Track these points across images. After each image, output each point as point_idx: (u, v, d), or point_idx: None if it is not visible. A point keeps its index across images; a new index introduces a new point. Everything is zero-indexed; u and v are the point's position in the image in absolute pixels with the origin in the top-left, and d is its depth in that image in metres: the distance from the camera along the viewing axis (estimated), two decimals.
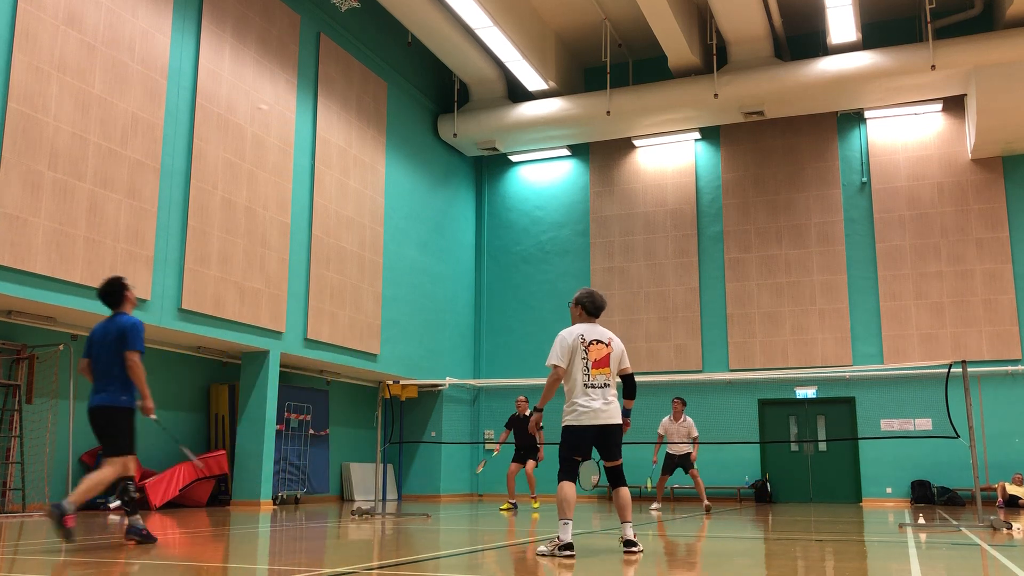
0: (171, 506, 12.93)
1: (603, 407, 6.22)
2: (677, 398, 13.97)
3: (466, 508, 14.52)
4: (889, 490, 17.55)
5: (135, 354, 6.65)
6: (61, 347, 11.81)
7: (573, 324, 6.55)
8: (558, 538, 5.98)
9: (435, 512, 12.66)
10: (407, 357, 18.00)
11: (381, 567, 5.40)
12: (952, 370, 10.41)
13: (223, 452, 14.00)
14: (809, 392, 18.10)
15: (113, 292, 6.91)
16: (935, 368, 15.80)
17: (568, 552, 5.87)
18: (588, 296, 6.56)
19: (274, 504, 14.42)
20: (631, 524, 6.33)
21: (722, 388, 18.71)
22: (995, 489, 16.21)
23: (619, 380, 6.54)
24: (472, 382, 19.03)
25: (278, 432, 14.81)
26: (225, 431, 14.78)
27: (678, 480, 18.44)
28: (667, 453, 13.79)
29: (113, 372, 6.68)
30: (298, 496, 15.54)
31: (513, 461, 14.05)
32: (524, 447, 13.99)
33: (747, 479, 18.26)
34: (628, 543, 6.24)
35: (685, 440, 13.59)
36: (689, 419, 13.82)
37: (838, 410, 18.23)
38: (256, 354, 14.36)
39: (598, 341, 6.36)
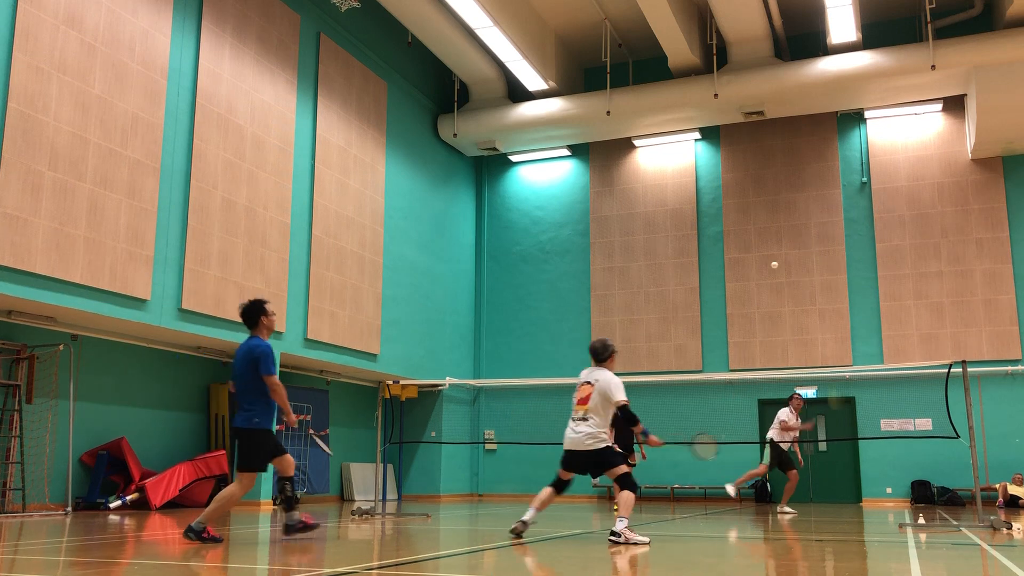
0: (171, 506, 12.92)
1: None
2: (797, 393, 13.94)
3: (466, 508, 14.52)
4: (889, 490, 17.54)
5: (272, 377, 7.01)
6: (61, 347, 11.81)
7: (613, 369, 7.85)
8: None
9: (435, 512, 12.66)
10: (407, 357, 17.99)
11: (381, 567, 5.40)
12: (952, 370, 10.41)
13: (223, 452, 13.99)
14: (809, 392, 18.09)
15: (252, 314, 7.21)
16: (935, 368, 15.77)
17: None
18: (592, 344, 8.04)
19: (274, 504, 14.42)
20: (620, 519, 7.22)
21: (722, 388, 18.70)
22: (995, 489, 16.20)
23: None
24: (472, 382, 19.02)
25: (278, 432, 14.80)
26: (225, 431, 14.78)
27: (680, 480, 18.43)
28: (780, 447, 13.42)
29: (250, 394, 7.06)
30: (298, 496, 15.52)
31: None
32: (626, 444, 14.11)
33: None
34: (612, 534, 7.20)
35: (795, 437, 13.48)
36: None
37: (838, 410, 18.22)
38: None
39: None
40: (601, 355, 7.81)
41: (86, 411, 12.58)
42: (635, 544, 6.95)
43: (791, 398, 13.79)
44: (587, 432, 7.48)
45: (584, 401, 7.57)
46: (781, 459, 13.38)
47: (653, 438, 7.76)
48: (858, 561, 6.22)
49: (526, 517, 7.43)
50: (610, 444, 7.62)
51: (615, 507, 13.50)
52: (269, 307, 7.25)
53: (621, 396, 7.49)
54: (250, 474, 7.06)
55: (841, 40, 17.19)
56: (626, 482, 7.41)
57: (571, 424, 7.61)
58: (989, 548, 6.92)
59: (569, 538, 7.87)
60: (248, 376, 7.03)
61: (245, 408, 7.04)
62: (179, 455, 14.08)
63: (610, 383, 7.56)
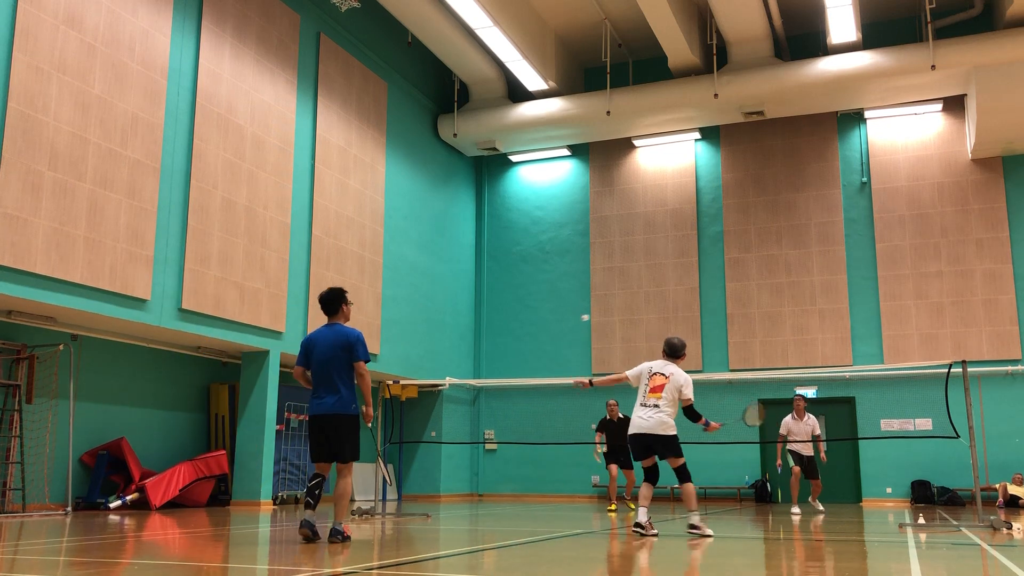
0: (171, 506, 12.92)
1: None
2: (799, 396, 13.79)
3: (466, 508, 14.52)
4: (889, 490, 17.54)
5: (364, 364, 7.03)
6: (61, 347, 11.81)
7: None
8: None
9: (435, 512, 12.66)
10: (407, 357, 18.00)
11: (381, 567, 5.40)
12: (952, 370, 10.41)
13: (223, 452, 13.99)
14: (809, 392, 18.09)
15: (333, 301, 7.23)
16: (935, 368, 15.78)
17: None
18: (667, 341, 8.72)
19: (274, 504, 14.42)
20: (695, 513, 8.06)
21: (722, 388, 18.70)
22: (995, 489, 16.20)
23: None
24: (472, 382, 19.02)
25: (278, 432, 14.81)
26: (225, 431, 14.78)
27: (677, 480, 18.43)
28: (794, 452, 13.37)
29: (339, 380, 6.98)
30: (298, 496, 15.53)
31: (610, 464, 14.25)
32: (617, 449, 14.13)
33: (747, 479, 18.25)
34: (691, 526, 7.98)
35: (808, 439, 13.28)
36: (813, 418, 13.54)
37: (838, 410, 18.22)
38: (256, 354, 14.36)
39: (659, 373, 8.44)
40: (679, 351, 8.49)
41: (86, 411, 12.58)
42: (707, 536, 7.75)
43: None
44: (658, 419, 8.12)
45: (658, 390, 8.22)
46: (803, 465, 13.41)
47: (713, 424, 8.39)
48: (858, 561, 6.22)
49: (643, 519, 7.85)
50: (676, 434, 8.24)
51: (631, 505, 13.64)
52: (348, 295, 7.36)
53: (690, 394, 8.22)
54: (351, 464, 7.15)
55: (841, 40, 17.19)
56: (685, 474, 8.19)
57: (641, 411, 8.24)
58: (989, 548, 6.92)
59: (569, 538, 7.87)
60: (338, 361, 6.95)
61: (337, 393, 6.93)
62: (179, 455, 14.08)
63: (685, 379, 8.30)
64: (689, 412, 8.28)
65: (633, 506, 14.31)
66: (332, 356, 6.97)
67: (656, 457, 8.22)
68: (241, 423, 14.30)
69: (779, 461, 13.62)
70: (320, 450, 7.06)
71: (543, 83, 18.82)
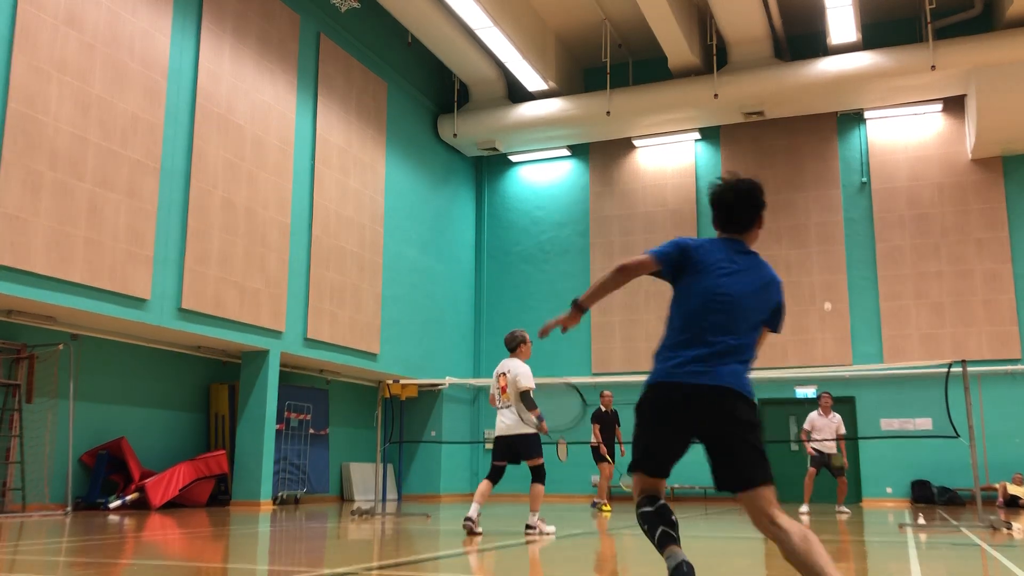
0: (171, 506, 12.92)
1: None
2: (825, 392, 13.86)
3: (466, 508, 14.50)
4: (889, 490, 17.54)
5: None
6: (61, 347, 11.80)
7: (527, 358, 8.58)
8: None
9: (435, 512, 12.66)
10: (407, 357, 17.99)
11: (381, 567, 5.40)
12: (952, 370, 10.40)
13: (223, 452, 13.99)
14: (809, 392, 18.09)
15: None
16: (935, 368, 15.76)
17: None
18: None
19: (274, 504, 14.42)
20: (535, 513, 8.10)
21: None
22: (995, 489, 16.20)
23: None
24: (472, 382, 19.02)
25: (278, 432, 14.80)
26: (225, 431, 14.77)
27: (680, 480, 18.42)
28: (816, 450, 13.48)
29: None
30: (298, 496, 15.53)
31: (601, 462, 14.30)
32: (608, 445, 14.18)
33: None
34: (527, 527, 8.04)
35: (832, 438, 13.33)
36: (838, 416, 13.60)
37: (838, 410, 18.17)
38: (256, 354, 14.36)
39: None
40: (511, 344, 8.65)
41: (86, 411, 12.58)
42: (548, 534, 7.98)
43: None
44: (515, 419, 8.22)
45: (504, 389, 8.38)
46: (825, 463, 13.41)
47: (543, 425, 8.13)
48: (858, 561, 6.22)
49: (473, 514, 7.96)
50: (536, 433, 8.30)
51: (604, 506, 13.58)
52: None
53: (527, 383, 8.25)
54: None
55: (841, 40, 17.19)
56: (541, 475, 8.29)
57: (500, 414, 8.42)
58: (989, 548, 6.92)
59: (569, 538, 7.87)
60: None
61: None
62: (179, 455, 14.08)
63: (522, 371, 8.43)
64: (525, 399, 8.17)
65: (607, 508, 14.25)
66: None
67: (518, 458, 8.28)
68: (241, 423, 14.30)
69: (809, 449, 13.57)
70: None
71: (543, 83, 18.82)
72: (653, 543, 3.60)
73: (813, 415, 13.73)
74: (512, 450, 8.26)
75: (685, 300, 3.61)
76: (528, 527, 8.02)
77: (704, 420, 3.46)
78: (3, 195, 10.12)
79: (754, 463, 3.44)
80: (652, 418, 3.56)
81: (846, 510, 13.69)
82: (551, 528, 8.16)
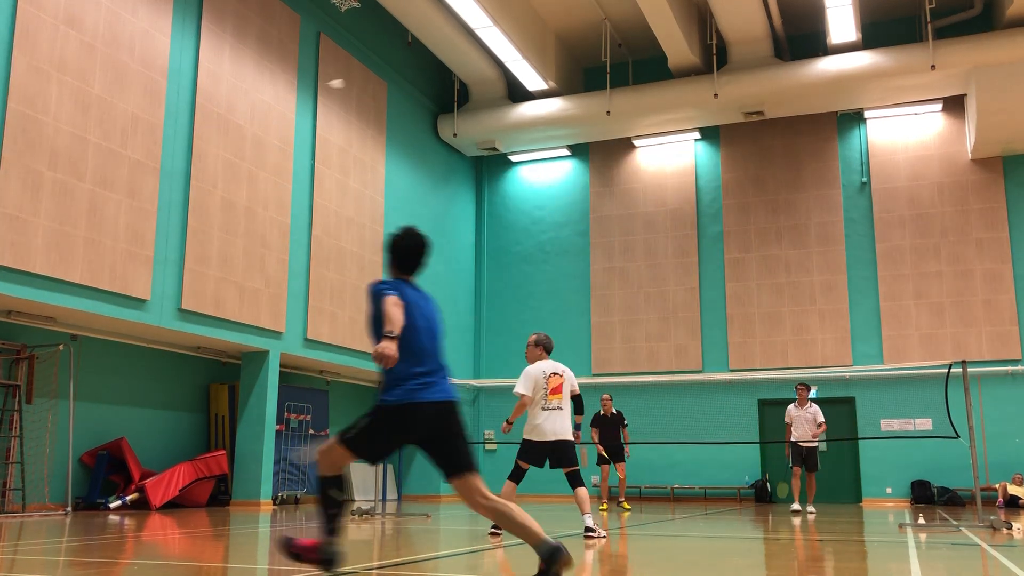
0: (171, 506, 12.92)
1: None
2: (801, 384, 13.52)
3: (466, 508, 14.52)
4: (889, 490, 17.54)
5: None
6: (61, 347, 11.81)
7: (533, 362, 8.25)
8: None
9: (435, 512, 12.65)
10: None
11: (381, 567, 5.39)
12: (952, 370, 10.41)
13: (223, 452, 13.99)
14: (810, 393, 18.05)
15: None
16: (935, 368, 15.80)
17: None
18: (546, 338, 8.43)
19: (274, 504, 14.42)
20: (589, 515, 7.82)
21: (722, 388, 18.70)
22: (995, 489, 16.20)
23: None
24: (472, 382, 19.02)
25: (278, 432, 14.80)
26: (225, 431, 14.77)
27: (680, 480, 18.42)
28: (796, 444, 13.18)
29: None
30: (298, 496, 15.53)
31: (601, 463, 14.28)
32: (609, 447, 14.14)
33: (747, 479, 18.24)
34: (588, 530, 7.72)
35: (812, 428, 13.03)
36: (815, 405, 13.29)
37: (838, 410, 18.21)
38: (256, 354, 14.36)
39: (555, 373, 8.17)
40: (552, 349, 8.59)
41: (86, 411, 12.57)
42: (602, 537, 7.77)
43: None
44: (567, 424, 8.18)
45: (558, 390, 8.17)
46: (802, 458, 13.25)
47: (506, 424, 8.26)
48: (858, 561, 6.22)
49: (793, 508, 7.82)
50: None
51: (626, 505, 13.59)
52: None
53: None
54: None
55: (841, 40, 17.19)
56: (579, 479, 8.11)
57: (551, 415, 8.10)
58: (989, 548, 6.92)
59: (569, 538, 7.87)
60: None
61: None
62: (179, 455, 14.08)
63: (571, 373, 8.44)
64: (577, 403, 8.42)
65: (628, 506, 14.31)
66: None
67: (554, 463, 8.11)
68: (241, 423, 14.30)
69: (788, 451, 13.38)
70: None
71: (543, 83, 18.83)
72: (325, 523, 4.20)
73: (791, 408, 13.41)
74: (555, 455, 8.03)
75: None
76: (588, 530, 7.75)
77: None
78: (3, 195, 10.12)
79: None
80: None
81: (813, 509, 13.24)
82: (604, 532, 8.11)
